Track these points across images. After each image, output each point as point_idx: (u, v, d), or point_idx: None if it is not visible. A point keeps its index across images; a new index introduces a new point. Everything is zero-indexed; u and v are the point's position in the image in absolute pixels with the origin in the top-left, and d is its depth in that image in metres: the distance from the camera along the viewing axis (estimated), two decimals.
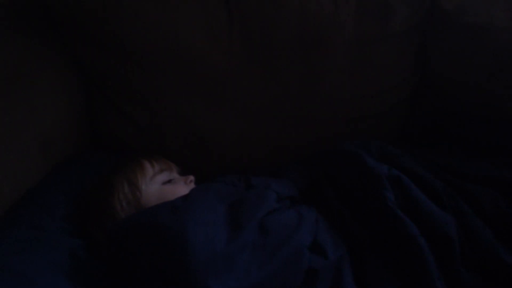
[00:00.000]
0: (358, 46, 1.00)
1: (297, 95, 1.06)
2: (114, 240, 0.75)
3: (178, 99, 1.05)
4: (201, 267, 0.67)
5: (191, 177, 0.93)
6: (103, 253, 0.78)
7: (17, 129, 0.86)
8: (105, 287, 0.74)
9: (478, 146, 0.97)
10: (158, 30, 0.97)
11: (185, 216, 0.72)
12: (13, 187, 0.82)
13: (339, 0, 0.97)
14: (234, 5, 0.97)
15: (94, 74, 1.06)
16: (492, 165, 0.88)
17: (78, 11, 0.96)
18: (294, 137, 1.11)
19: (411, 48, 1.05)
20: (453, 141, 1.02)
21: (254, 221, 0.76)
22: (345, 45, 1.00)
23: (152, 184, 0.88)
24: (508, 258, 0.72)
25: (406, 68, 1.07)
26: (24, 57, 0.92)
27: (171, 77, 1.03)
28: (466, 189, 0.82)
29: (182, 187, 0.90)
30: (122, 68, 1.02)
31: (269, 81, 1.04)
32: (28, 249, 0.71)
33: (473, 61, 1.00)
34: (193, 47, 0.99)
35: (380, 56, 1.02)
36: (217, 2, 0.97)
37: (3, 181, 0.80)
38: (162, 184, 0.89)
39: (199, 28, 0.97)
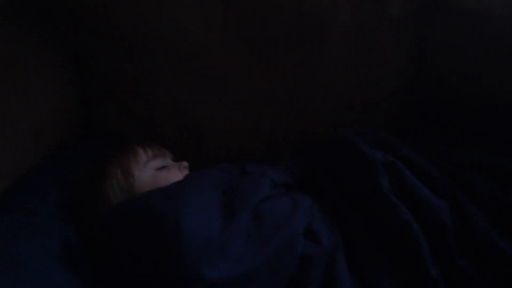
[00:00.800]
0: (355, 34, 1.00)
1: (293, 84, 1.05)
2: (107, 226, 0.75)
3: (173, 88, 1.05)
4: (195, 253, 0.67)
5: (185, 163, 0.93)
6: (95, 240, 0.77)
7: (9, 115, 0.85)
8: (97, 274, 0.74)
9: (473, 134, 0.97)
10: (153, 19, 0.96)
11: (179, 202, 0.72)
12: (4, 173, 0.82)
13: None
14: None
15: (89, 63, 1.05)
16: (488, 153, 0.88)
17: None
18: (290, 127, 1.10)
19: (407, 36, 1.04)
20: (449, 130, 1.01)
21: (248, 208, 0.76)
22: (342, 33, 0.99)
23: (145, 170, 0.87)
24: (503, 245, 0.72)
25: (402, 56, 1.06)
26: (18, 43, 0.91)
27: (167, 66, 1.02)
28: (463, 177, 0.82)
29: (176, 173, 0.89)
30: (117, 56, 1.02)
31: (265, 70, 1.04)
32: (19, 234, 0.71)
33: (469, 49, 0.99)
34: (188, 36, 0.98)
35: (377, 44, 1.02)
36: None
37: None
38: (155, 170, 0.88)
39: (195, 17, 0.97)
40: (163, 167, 0.90)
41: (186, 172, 0.92)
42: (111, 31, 0.98)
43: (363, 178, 0.82)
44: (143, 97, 1.06)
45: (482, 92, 1.01)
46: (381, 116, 1.11)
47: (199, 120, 1.08)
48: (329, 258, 0.74)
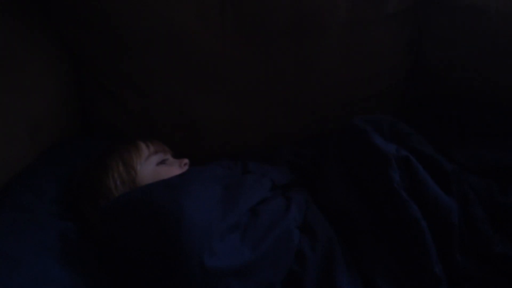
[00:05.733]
0: (352, 29, 0.99)
1: (291, 79, 1.05)
2: (107, 217, 0.74)
3: (169, 83, 1.04)
4: (196, 242, 0.67)
5: (186, 160, 0.94)
6: (95, 234, 0.77)
7: (5, 112, 0.84)
8: (96, 268, 0.74)
9: (470, 129, 0.97)
10: (149, 14, 0.95)
11: (180, 193, 0.72)
12: (1, 171, 0.82)
13: None
14: None
15: (85, 59, 1.04)
16: (486, 150, 0.88)
17: None
18: (288, 122, 1.10)
19: (405, 30, 1.04)
20: (446, 125, 1.01)
21: (247, 205, 0.77)
22: (339, 28, 0.99)
23: (146, 165, 0.88)
24: (500, 249, 0.72)
25: (400, 50, 1.06)
26: (13, 39, 0.91)
27: (163, 60, 1.02)
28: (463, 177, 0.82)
29: (177, 169, 0.90)
30: (113, 52, 1.01)
31: (262, 65, 1.03)
32: (16, 231, 0.71)
33: (466, 44, 0.99)
34: (185, 30, 0.98)
35: (374, 38, 1.02)
36: None
37: None
38: (156, 165, 0.89)
39: (191, 10, 0.96)
40: (164, 163, 0.90)
41: (186, 168, 0.92)
42: (107, 27, 0.97)
43: (374, 171, 0.81)
44: (140, 92, 1.06)
45: (479, 87, 1.01)
46: (379, 110, 1.11)
47: (195, 115, 1.08)
48: (325, 250, 0.75)
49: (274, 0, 0.96)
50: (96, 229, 0.78)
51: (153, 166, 0.89)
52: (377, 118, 0.91)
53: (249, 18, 0.98)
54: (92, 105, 1.09)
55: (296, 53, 1.02)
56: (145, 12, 0.95)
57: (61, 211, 0.80)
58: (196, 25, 0.97)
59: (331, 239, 0.76)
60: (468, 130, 0.97)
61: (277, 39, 1.00)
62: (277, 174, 0.89)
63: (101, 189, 0.82)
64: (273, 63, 1.03)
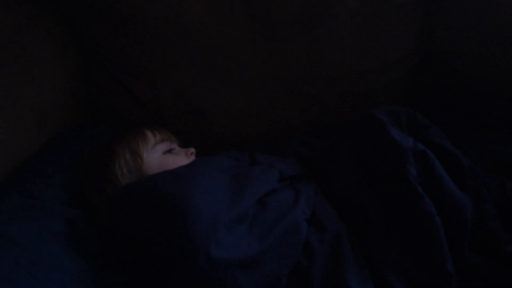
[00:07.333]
0: (361, 19, 0.98)
1: (299, 69, 1.04)
2: (114, 205, 0.75)
3: (178, 72, 1.04)
4: (202, 233, 0.67)
5: (192, 149, 0.93)
6: (101, 221, 0.77)
7: (12, 98, 0.85)
8: (102, 256, 0.74)
9: (481, 122, 0.96)
10: (158, 3, 0.95)
11: (187, 183, 0.72)
12: (8, 157, 0.82)
13: None
14: None
15: (93, 46, 1.04)
16: (496, 143, 0.87)
17: None
18: (295, 112, 1.10)
19: (415, 20, 1.03)
20: (456, 117, 1.00)
21: (255, 196, 0.77)
22: (348, 18, 0.98)
23: (153, 152, 0.88)
24: (507, 246, 0.72)
25: (410, 41, 1.05)
26: (21, 25, 0.91)
27: (171, 49, 1.01)
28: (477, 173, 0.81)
29: (183, 159, 0.90)
30: (121, 40, 1.01)
31: (270, 54, 1.03)
32: (22, 217, 0.71)
33: (477, 33, 0.98)
34: (193, 19, 0.97)
35: (384, 28, 1.00)
36: None
37: None
38: (163, 154, 0.89)
39: (200, 0, 0.95)
40: (170, 151, 0.90)
41: (193, 158, 0.92)
42: (116, 15, 0.97)
43: (390, 164, 0.79)
44: (148, 81, 1.06)
45: (490, 78, 1.00)
46: (388, 101, 1.09)
47: (203, 105, 1.08)
48: (333, 243, 0.74)
49: None
50: (102, 216, 0.78)
51: (160, 154, 0.89)
52: (395, 109, 0.88)
53: (258, 8, 0.97)
54: (99, 93, 1.09)
55: (304, 43, 1.01)
56: (154, 1, 0.95)
57: (68, 198, 0.80)
58: (205, 14, 0.97)
59: (340, 233, 0.76)
60: (479, 124, 0.96)
61: (285, 28, 0.99)
62: (285, 165, 0.89)
63: (107, 176, 0.82)
64: (281, 53, 1.02)
